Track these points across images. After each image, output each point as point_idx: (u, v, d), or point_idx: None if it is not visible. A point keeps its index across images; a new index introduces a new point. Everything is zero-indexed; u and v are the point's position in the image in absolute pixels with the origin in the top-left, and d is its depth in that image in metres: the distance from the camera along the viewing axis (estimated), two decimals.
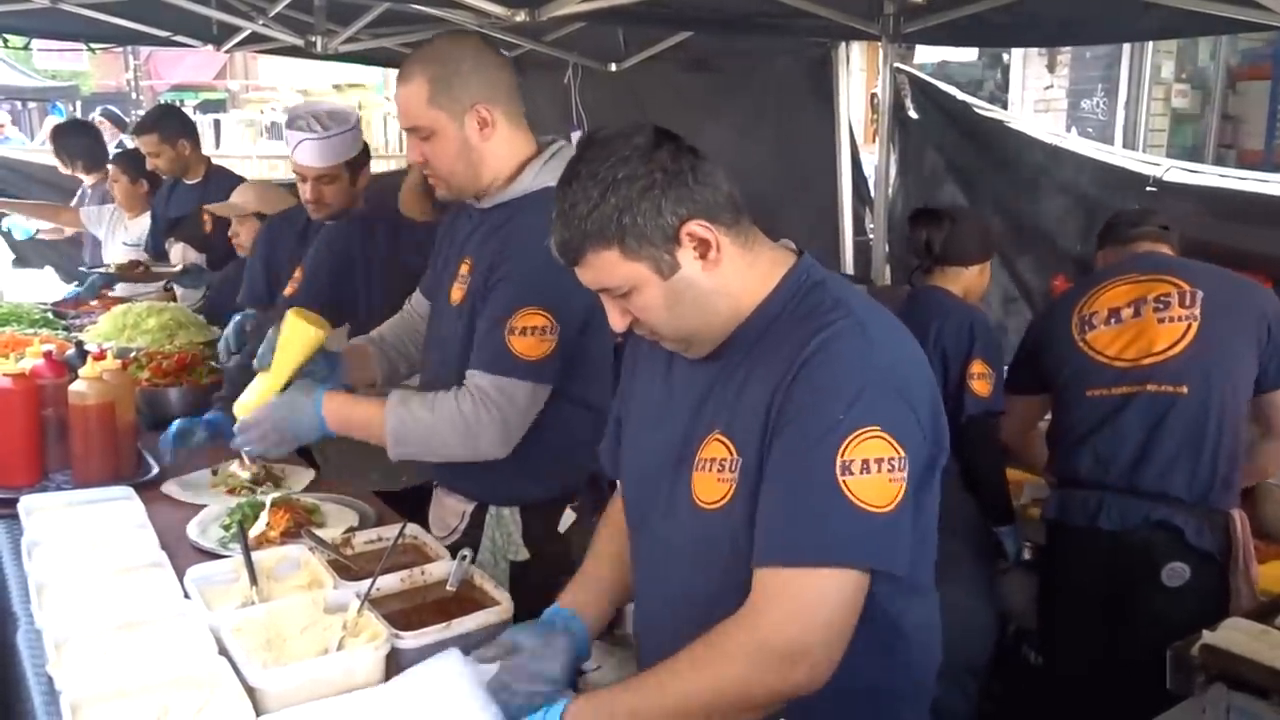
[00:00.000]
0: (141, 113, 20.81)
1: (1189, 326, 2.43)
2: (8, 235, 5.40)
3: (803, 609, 1.19)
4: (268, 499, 2.01)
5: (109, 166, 4.83)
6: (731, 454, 1.31)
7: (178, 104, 21.68)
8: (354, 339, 2.30)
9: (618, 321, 1.36)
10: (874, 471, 1.20)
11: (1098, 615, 2.48)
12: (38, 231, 5.49)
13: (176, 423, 2.29)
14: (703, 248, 1.29)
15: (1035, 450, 2.80)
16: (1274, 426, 2.47)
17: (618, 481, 1.62)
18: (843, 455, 1.20)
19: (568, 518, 2.10)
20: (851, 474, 1.19)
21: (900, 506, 1.21)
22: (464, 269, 1.99)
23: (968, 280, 2.82)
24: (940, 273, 2.82)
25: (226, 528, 1.98)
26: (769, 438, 1.26)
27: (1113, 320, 2.53)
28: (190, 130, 4.33)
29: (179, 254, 4.23)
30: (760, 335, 1.33)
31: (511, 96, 1.93)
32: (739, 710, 1.22)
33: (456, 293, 1.99)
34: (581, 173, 1.28)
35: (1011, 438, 2.76)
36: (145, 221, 4.61)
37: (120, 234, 4.70)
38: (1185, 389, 2.41)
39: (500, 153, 1.93)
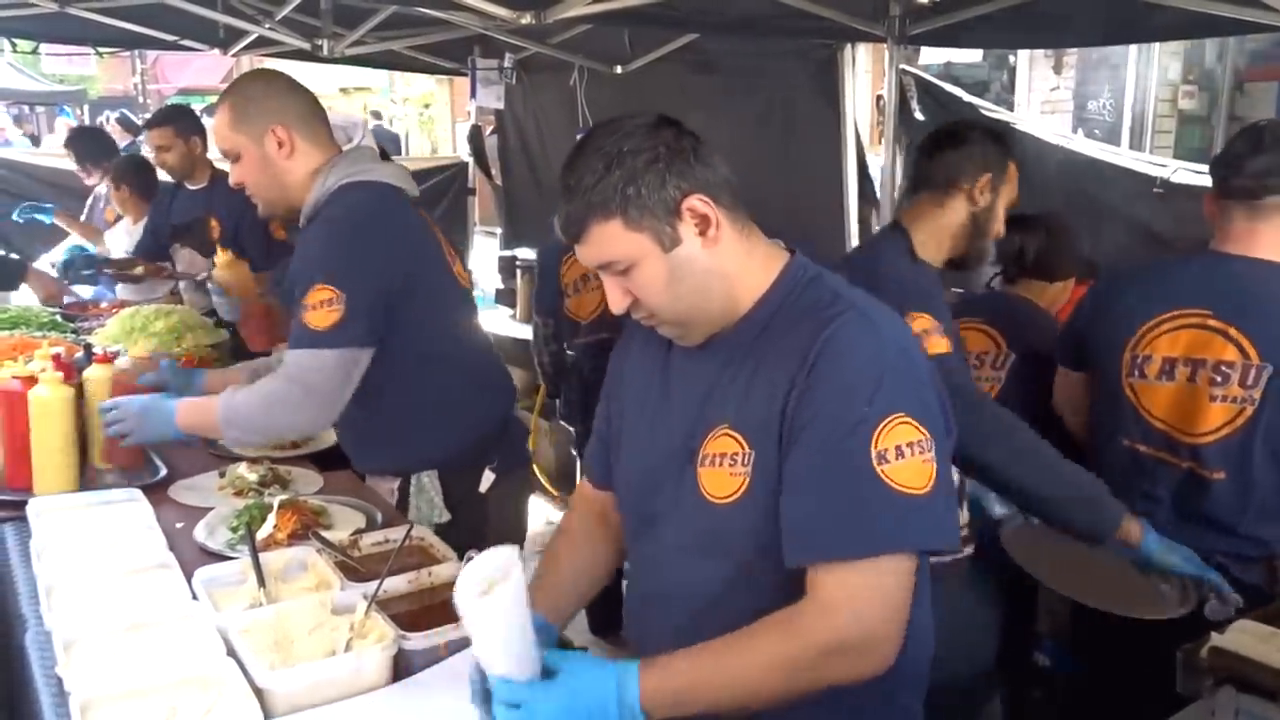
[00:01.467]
0: (149, 117, 20.95)
1: (1242, 412, 2.11)
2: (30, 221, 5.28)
3: (864, 605, 1.22)
4: (275, 501, 2.01)
5: (109, 177, 4.77)
6: (743, 448, 1.31)
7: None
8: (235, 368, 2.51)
9: (618, 302, 1.36)
10: (908, 456, 1.22)
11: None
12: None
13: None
14: (703, 224, 1.31)
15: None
16: None
17: (579, 491, 1.65)
18: (876, 445, 1.22)
19: (487, 478, 2.26)
20: (888, 461, 1.22)
21: (936, 486, 1.24)
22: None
23: (1052, 294, 2.76)
24: (1025, 283, 2.76)
25: (234, 529, 1.99)
26: (787, 434, 1.27)
27: (1163, 377, 2.21)
28: (202, 131, 4.21)
29: (185, 260, 4.14)
30: (763, 328, 1.35)
31: (305, 118, 2.14)
32: (817, 695, 1.25)
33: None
34: (587, 149, 1.31)
35: (1064, 411, 2.56)
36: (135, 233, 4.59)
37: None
38: (1223, 474, 2.15)
39: (300, 168, 2.13)
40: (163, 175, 4.43)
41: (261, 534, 1.91)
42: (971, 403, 1.95)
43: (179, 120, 4.12)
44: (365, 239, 2.05)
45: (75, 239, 5.12)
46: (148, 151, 4.68)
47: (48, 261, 4.97)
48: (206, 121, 4.17)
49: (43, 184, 6.38)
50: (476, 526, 2.19)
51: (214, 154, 4.30)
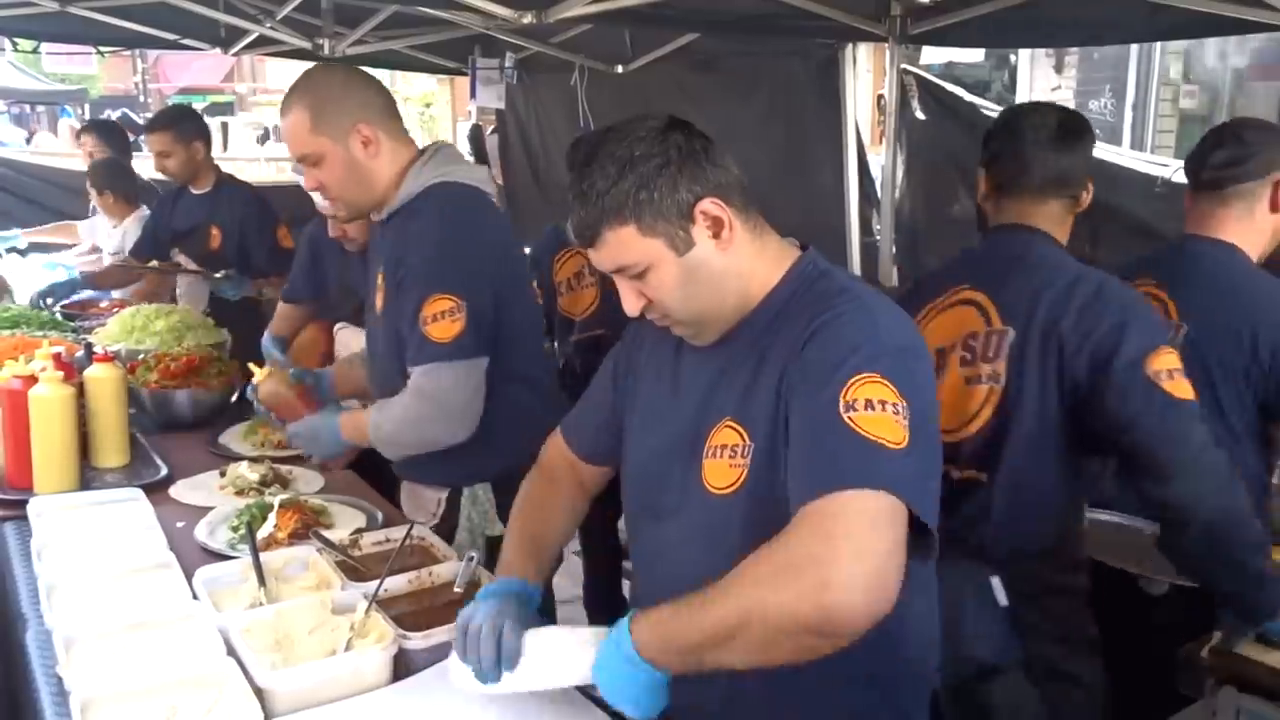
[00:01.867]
0: (150, 115, 20.93)
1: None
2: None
3: (832, 531, 1.14)
4: (275, 500, 2.01)
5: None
6: (743, 440, 1.32)
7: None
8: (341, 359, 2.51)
9: (633, 305, 1.37)
10: (878, 410, 1.20)
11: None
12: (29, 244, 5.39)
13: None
14: (716, 226, 1.32)
15: None
16: None
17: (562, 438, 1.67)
18: (845, 396, 1.21)
19: None
20: (856, 410, 1.20)
21: (913, 446, 1.19)
22: (380, 279, 2.11)
23: None
24: None
25: (235, 529, 1.99)
26: (783, 413, 1.28)
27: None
28: (205, 134, 4.11)
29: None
30: (770, 323, 1.36)
31: (387, 113, 2.05)
32: (777, 632, 1.15)
33: (380, 301, 2.12)
34: (599, 154, 1.31)
35: None
36: (125, 229, 4.58)
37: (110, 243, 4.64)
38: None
39: (388, 166, 2.04)
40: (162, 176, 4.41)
41: (262, 533, 1.90)
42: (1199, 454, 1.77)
43: (180, 124, 3.99)
44: (475, 245, 2.01)
45: (52, 256, 5.09)
46: (143, 157, 4.66)
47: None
48: (209, 120, 4.13)
49: (45, 183, 6.40)
50: None
51: (214, 152, 4.29)
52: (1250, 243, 2.22)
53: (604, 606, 3.41)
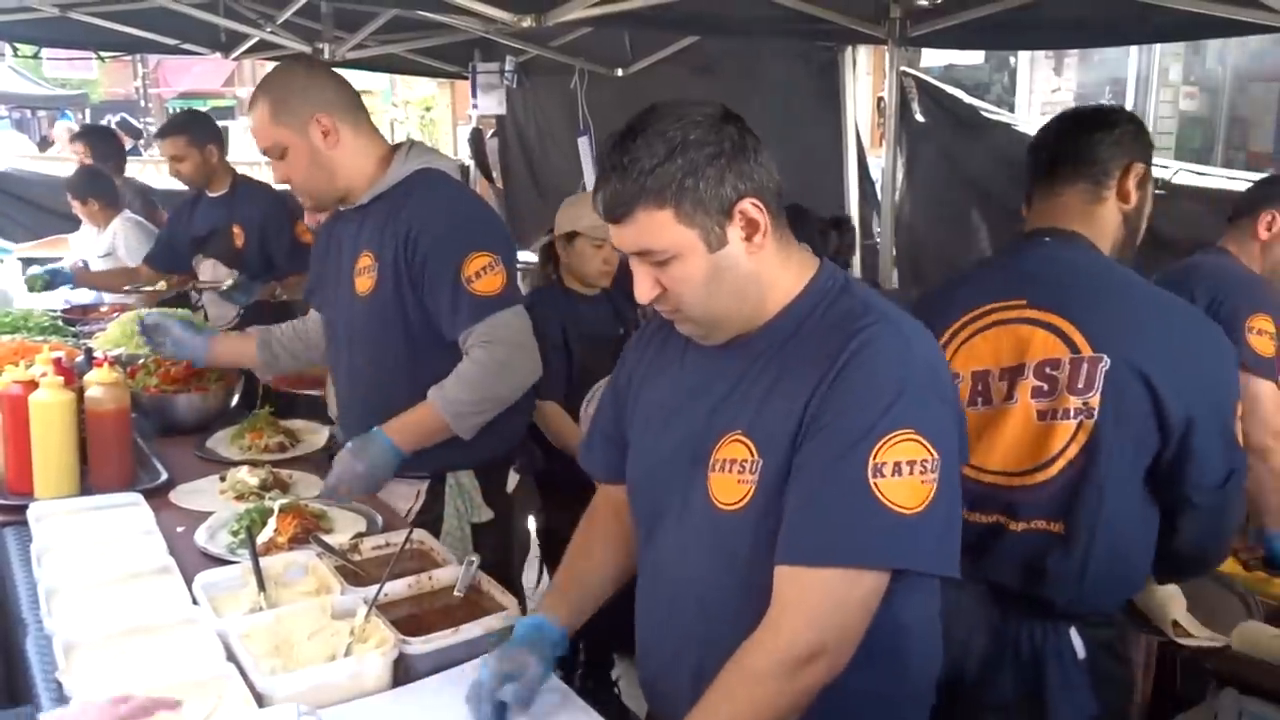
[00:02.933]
0: (150, 120, 20.87)
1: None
2: None
3: (819, 612, 1.21)
4: (275, 505, 2.01)
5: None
6: (753, 455, 1.30)
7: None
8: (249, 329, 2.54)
9: (646, 291, 1.32)
10: (905, 474, 1.20)
11: None
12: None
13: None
14: (750, 228, 1.29)
15: None
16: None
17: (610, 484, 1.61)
18: (875, 458, 1.20)
19: (513, 478, 2.27)
20: (883, 476, 1.20)
21: (931, 507, 1.21)
22: (365, 262, 2.14)
23: None
24: None
25: (235, 534, 1.99)
26: (803, 439, 1.26)
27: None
28: (218, 137, 4.06)
29: (209, 271, 4.04)
30: (789, 337, 1.33)
31: (348, 106, 2.12)
32: (790, 713, 1.24)
33: (363, 284, 2.14)
34: (648, 130, 1.25)
35: None
36: (113, 230, 4.56)
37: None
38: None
39: (351, 157, 2.11)
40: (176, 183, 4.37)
41: (262, 538, 1.90)
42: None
43: (192, 128, 3.94)
44: (486, 212, 2.16)
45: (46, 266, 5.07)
46: (140, 161, 4.63)
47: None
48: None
49: (48, 189, 6.39)
50: (507, 526, 2.22)
51: (235, 157, 4.28)
52: (1247, 262, 2.42)
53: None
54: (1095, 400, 1.62)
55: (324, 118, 2.06)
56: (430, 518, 2.13)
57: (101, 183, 4.66)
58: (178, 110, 6.24)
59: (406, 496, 2.21)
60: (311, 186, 2.13)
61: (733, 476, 1.31)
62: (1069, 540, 1.66)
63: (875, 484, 1.20)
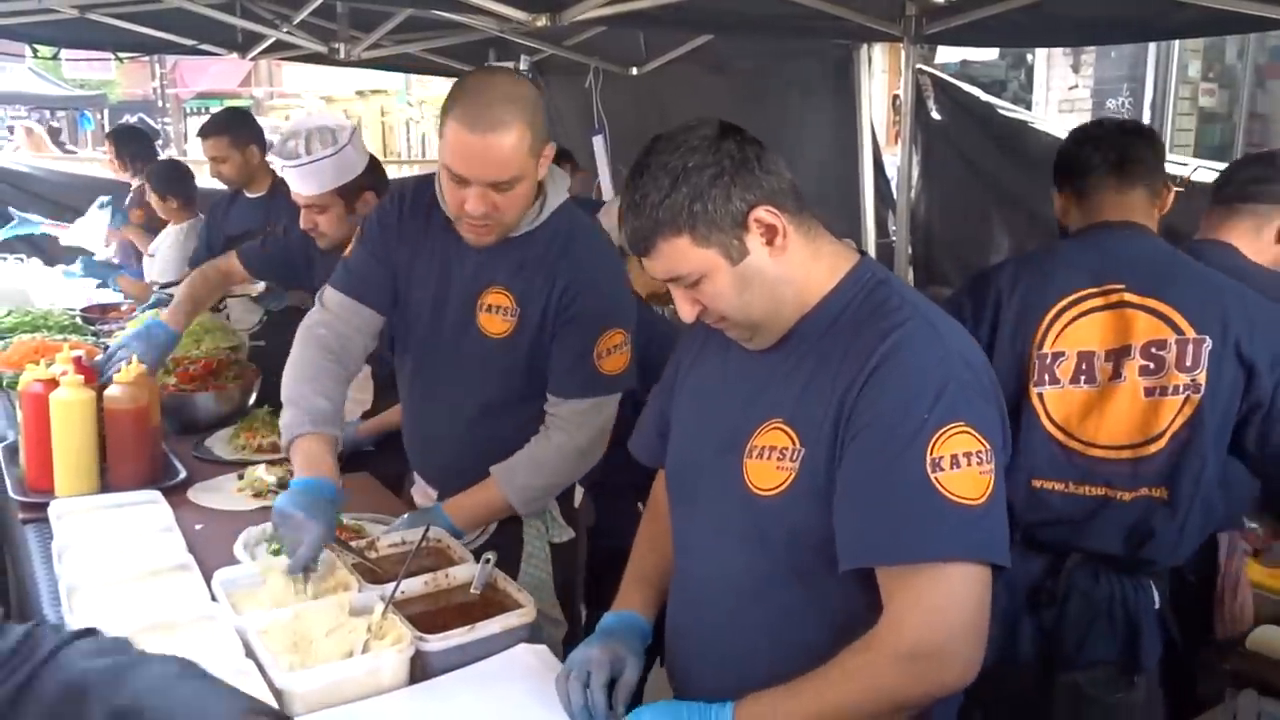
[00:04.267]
0: (168, 120, 20.95)
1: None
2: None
3: (938, 612, 1.22)
4: None
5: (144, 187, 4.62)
6: (794, 443, 1.32)
7: (203, 110, 21.99)
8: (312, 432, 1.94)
9: (688, 312, 1.37)
10: (964, 466, 1.22)
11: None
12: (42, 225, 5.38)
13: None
14: (769, 233, 1.32)
15: None
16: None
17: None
18: (932, 452, 1.22)
19: (579, 493, 2.19)
20: (942, 470, 1.22)
21: (992, 498, 1.24)
22: (499, 300, 1.95)
23: None
24: None
25: (275, 552, 1.89)
26: (843, 437, 1.28)
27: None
28: (259, 137, 3.91)
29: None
30: (826, 328, 1.35)
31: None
32: (894, 713, 1.26)
33: (493, 324, 1.96)
34: (651, 164, 1.30)
35: None
36: (170, 235, 4.57)
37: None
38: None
39: (531, 195, 1.91)
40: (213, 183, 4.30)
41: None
42: None
43: (234, 129, 3.83)
44: (624, 277, 2.04)
45: (72, 265, 5.09)
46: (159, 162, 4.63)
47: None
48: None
49: (77, 190, 6.44)
50: (578, 543, 2.16)
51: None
52: (1253, 258, 2.24)
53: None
54: (1202, 377, 1.83)
55: (550, 146, 1.87)
56: (505, 540, 2.03)
57: (186, 181, 4.58)
58: (219, 108, 6.18)
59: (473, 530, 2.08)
60: (514, 222, 1.90)
61: (771, 463, 1.34)
62: (1174, 505, 1.85)
63: (936, 479, 1.21)
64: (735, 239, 1.30)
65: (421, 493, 2.21)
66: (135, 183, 5.24)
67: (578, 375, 1.96)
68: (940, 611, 1.22)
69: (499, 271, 1.95)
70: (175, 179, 4.54)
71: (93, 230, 4.94)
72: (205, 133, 3.92)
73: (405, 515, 2.03)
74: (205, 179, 4.19)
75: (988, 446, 1.24)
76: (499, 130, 1.74)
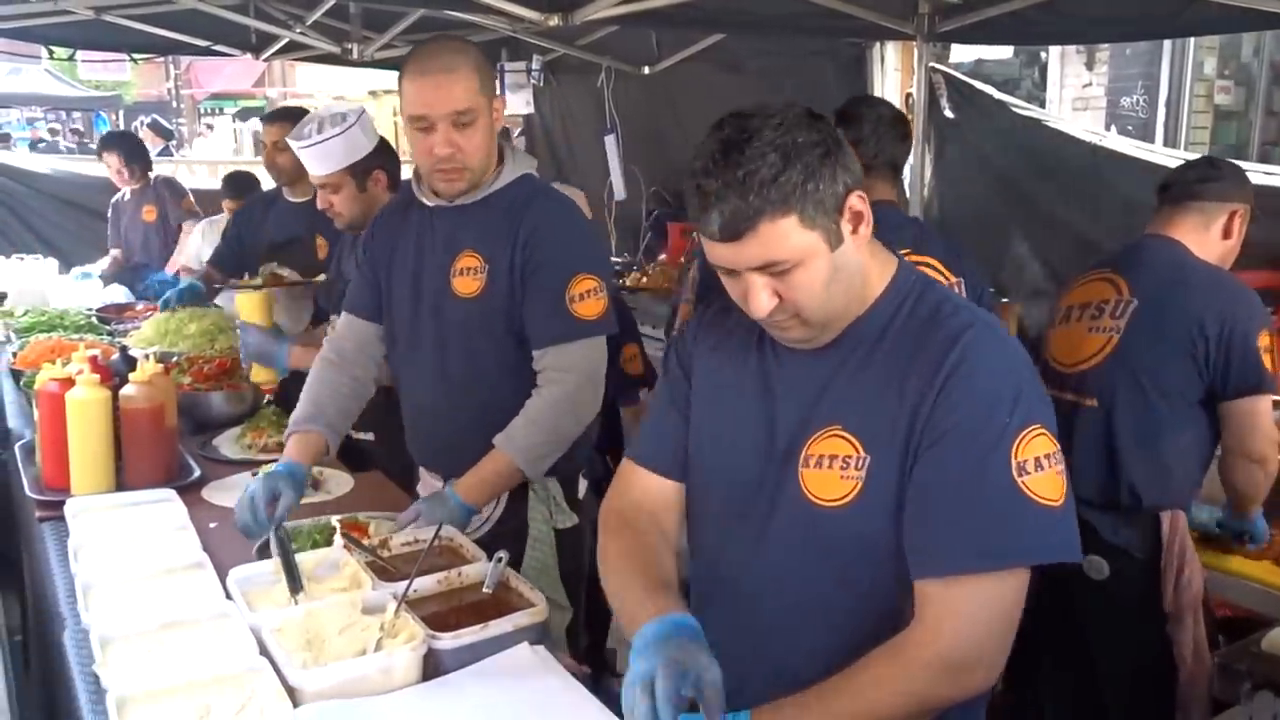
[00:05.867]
0: (182, 121, 21.00)
1: (1110, 340, 2.42)
2: None
3: (978, 620, 1.21)
4: (335, 523, 1.94)
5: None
6: (857, 451, 1.28)
7: (217, 110, 22.10)
8: (296, 431, 2.09)
9: (766, 304, 1.26)
10: (1046, 468, 1.22)
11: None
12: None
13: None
14: (856, 220, 1.27)
15: None
16: (1228, 441, 2.36)
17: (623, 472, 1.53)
18: (1016, 456, 1.21)
19: (583, 485, 2.22)
20: (1028, 473, 1.21)
21: (1067, 497, 1.23)
22: (470, 262, 2.05)
23: None
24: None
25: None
26: (916, 444, 1.24)
27: (1063, 321, 2.57)
28: None
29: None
30: (881, 332, 1.31)
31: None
32: (917, 717, 1.24)
33: (465, 285, 2.06)
34: (751, 140, 1.20)
35: None
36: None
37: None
38: (1094, 401, 2.43)
39: (491, 144, 2.03)
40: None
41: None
42: None
43: (299, 122, 3.70)
44: (592, 234, 2.13)
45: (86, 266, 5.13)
46: (170, 166, 4.62)
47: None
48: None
49: (94, 191, 6.48)
50: (581, 533, 2.17)
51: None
52: (1200, 254, 2.42)
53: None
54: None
55: (500, 102, 2.05)
56: (512, 526, 2.09)
57: (250, 187, 4.63)
58: (233, 109, 6.20)
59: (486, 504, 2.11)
60: (477, 165, 2.00)
61: (834, 472, 1.29)
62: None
63: (1023, 482, 1.20)
64: (834, 223, 1.24)
65: (428, 486, 2.23)
66: (136, 184, 5.32)
67: (554, 322, 2.00)
68: (977, 619, 1.20)
69: (467, 237, 2.06)
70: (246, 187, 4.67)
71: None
72: (271, 119, 3.84)
73: (415, 503, 2.04)
74: (203, 180, 4.19)
75: (1058, 447, 1.24)
76: (449, 70, 1.92)
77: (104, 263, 5.38)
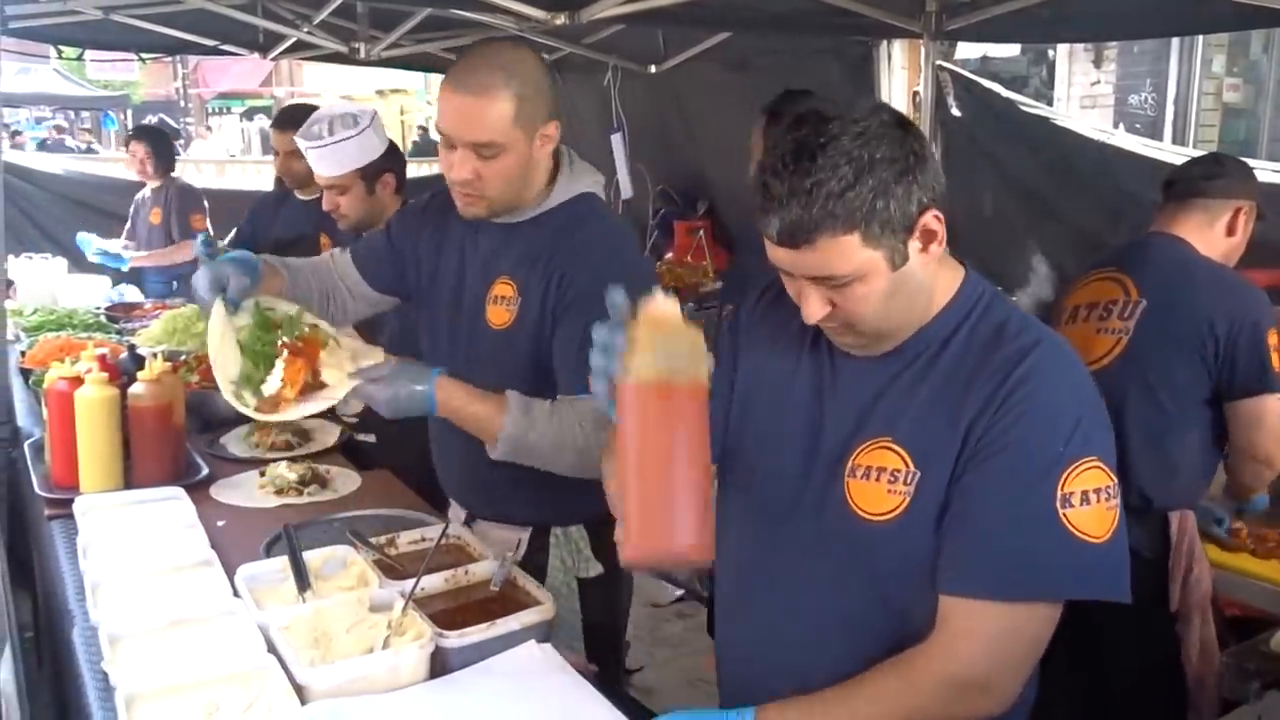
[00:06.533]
0: (190, 120, 21.00)
1: (1119, 341, 2.41)
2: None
3: (997, 645, 1.18)
4: (280, 341, 1.77)
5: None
6: (907, 466, 1.24)
7: (225, 110, 22.15)
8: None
9: (817, 312, 1.23)
10: (1094, 502, 1.18)
11: None
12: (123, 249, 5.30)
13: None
14: (927, 239, 1.21)
15: None
16: (1235, 441, 2.35)
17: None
18: (1064, 488, 1.17)
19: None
20: (1072, 506, 1.17)
21: (1116, 533, 1.19)
22: (504, 291, 1.89)
23: None
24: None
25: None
26: (970, 456, 1.21)
27: (1070, 321, 2.54)
28: None
29: None
30: (943, 345, 1.27)
31: (559, 106, 1.83)
32: None
33: (499, 316, 1.90)
34: (826, 148, 1.15)
35: None
36: None
37: None
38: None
39: (543, 167, 1.86)
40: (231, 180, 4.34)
41: (268, 390, 1.71)
42: None
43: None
44: (639, 267, 1.91)
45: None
46: (179, 166, 4.59)
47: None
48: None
49: (104, 191, 6.50)
50: (615, 582, 2.01)
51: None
52: (1204, 251, 2.42)
53: None
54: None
55: (554, 126, 1.79)
56: (532, 568, 1.87)
57: None
58: (295, 104, 6.02)
59: (508, 544, 1.94)
60: (503, 196, 1.82)
61: (881, 486, 1.25)
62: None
63: (1065, 515, 1.16)
64: (901, 243, 1.19)
65: (455, 515, 2.11)
66: (155, 183, 5.30)
67: (581, 371, 1.72)
68: (998, 645, 1.18)
69: (506, 261, 1.89)
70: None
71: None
72: (280, 125, 3.71)
73: (402, 363, 1.81)
74: (210, 179, 4.17)
75: (1114, 481, 1.20)
76: (482, 93, 1.72)
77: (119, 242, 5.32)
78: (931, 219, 1.20)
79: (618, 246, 1.89)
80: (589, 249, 1.82)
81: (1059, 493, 1.17)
